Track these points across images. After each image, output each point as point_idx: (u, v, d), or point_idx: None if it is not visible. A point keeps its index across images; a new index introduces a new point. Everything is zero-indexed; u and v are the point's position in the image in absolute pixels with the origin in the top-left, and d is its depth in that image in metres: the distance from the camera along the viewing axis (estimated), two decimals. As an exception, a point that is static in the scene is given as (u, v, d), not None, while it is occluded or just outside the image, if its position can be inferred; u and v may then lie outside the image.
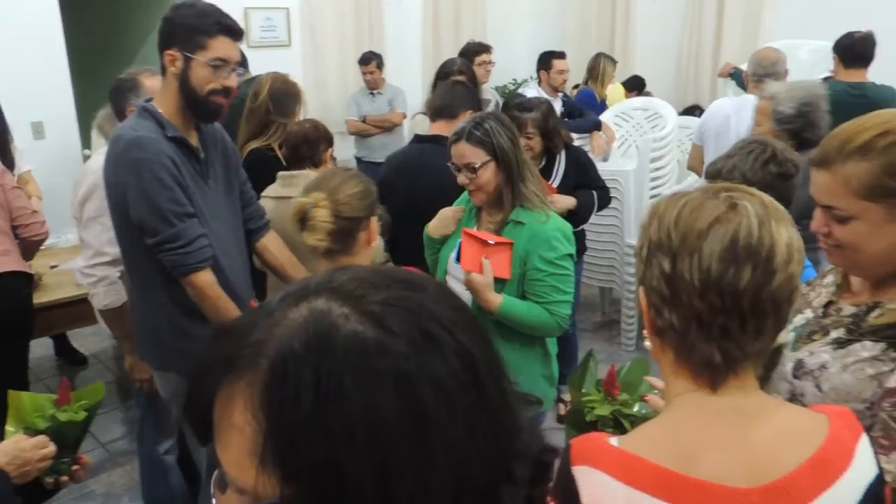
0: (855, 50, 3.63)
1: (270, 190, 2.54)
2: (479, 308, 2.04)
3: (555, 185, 3.09)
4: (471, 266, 2.03)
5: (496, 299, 2.00)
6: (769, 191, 1.85)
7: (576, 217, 2.91)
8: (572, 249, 2.07)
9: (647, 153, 3.96)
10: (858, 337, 1.19)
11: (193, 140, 1.98)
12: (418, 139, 2.87)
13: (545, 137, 3.03)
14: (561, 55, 4.89)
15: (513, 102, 3.15)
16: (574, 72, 5.48)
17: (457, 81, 3.23)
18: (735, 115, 3.27)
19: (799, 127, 2.50)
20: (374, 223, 1.86)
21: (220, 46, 1.87)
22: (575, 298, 3.08)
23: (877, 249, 1.15)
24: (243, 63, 3.21)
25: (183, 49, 1.86)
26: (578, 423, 1.43)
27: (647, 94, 5.65)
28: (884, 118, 1.15)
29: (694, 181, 3.46)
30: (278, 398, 0.45)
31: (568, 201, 2.96)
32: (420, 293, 0.52)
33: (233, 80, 1.93)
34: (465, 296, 2.06)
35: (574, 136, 3.83)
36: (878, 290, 1.22)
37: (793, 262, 0.83)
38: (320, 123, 2.74)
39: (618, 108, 4.69)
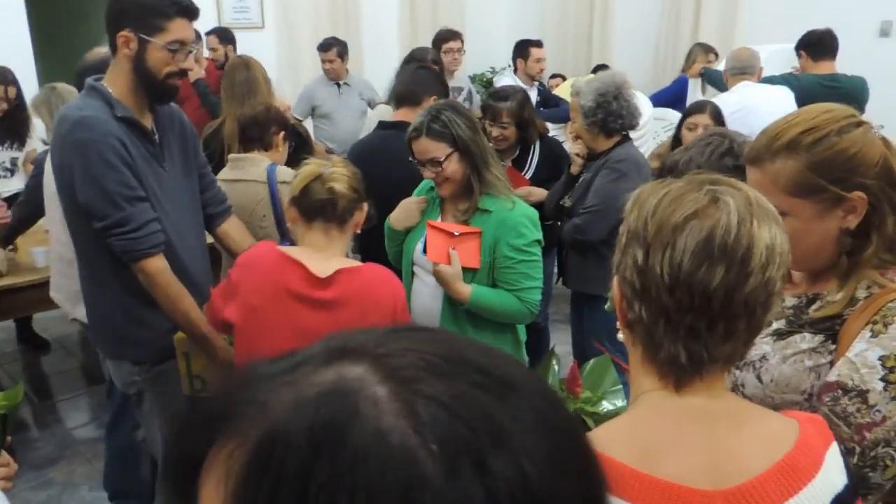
0: (823, 43, 3.83)
1: (221, 173, 2.49)
2: (450, 299, 2.03)
3: (528, 175, 3.07)
4: (438, 258, 2.01)
5: (466, 289, 1.99)
6: None
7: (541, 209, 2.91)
8: (539, 235, 2.06)
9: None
10: (798, 328, 1.20)
11: (147, 121, 1.91)
12: (382, 126, 2.83)
13: (520, 127, 3.01)
14: (538, 44, 4.86)
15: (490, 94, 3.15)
16: (551, 61, 5.45)
17: (421, 66, 3.19)
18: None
19: (602, 118, 2.59)
20: (364, 211, 1.85)
21: (178, 28, 1.81)
22: (548, 290, 3.09)
23: (810, 244, 1.15)
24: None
25: (138, 31, 1.78)
26: None
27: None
28: (811, 114, 1.15)
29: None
30: (252, 490, 0.35)
31: (541, 195, 2.94)
32: (498, 399, 0.37)
33: (190, 62, 1.87)
34: (435, 287, 2.05)
35: (549, 125, 3.82)
36: (816, 281, 1.23)
37: (772, 266, 0.79)
38: (274, 106, 2.69)
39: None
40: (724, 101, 3.48)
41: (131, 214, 1.79)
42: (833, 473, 0.83)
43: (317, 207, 1.74)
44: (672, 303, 0.79)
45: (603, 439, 0.83)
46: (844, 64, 3.91)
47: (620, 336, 0.91)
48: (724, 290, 0.77)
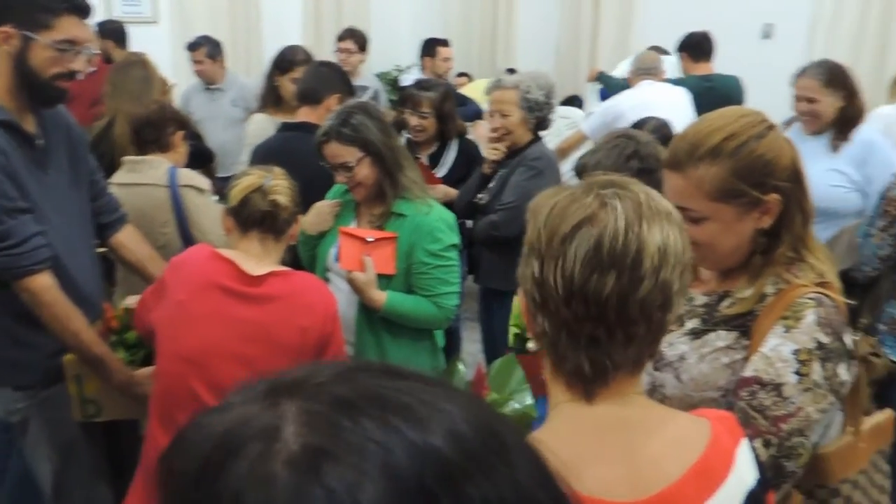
0: (702, 46, 4.14)
1: (115, 176, 2.33)
2: (365, 306, 1.99)
3: (441, 173, 3.05)
4: (351, 265, 1.96)
5: (381, 297, 1.95)
6: None
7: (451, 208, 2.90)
8: (456, 239, 2.05)
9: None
10: (713, 326, 1.22)
11: (29, 125, 1.74)
12: (284, 127, 2.73)
13: (440, 120, 3.00)
14: (445, 43, 4.87)
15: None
16: (457, 60, 5.47)
17: (323, 63, 3.10)
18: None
19: (547, 113, 2.72)
20: (300, 222, 1.83)
21: (67, 26, 1.66)
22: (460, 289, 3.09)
23: (729, 246, 1.19)
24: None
25: (20, 27, 1.63)
26: None
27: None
28: (727, 119, 1.18)
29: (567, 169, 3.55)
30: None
31: (448, 193, 2.92)
32: (415, 432, 0.36)
33: (80, 63, 1.72)
34: (350, 294, 1.99)
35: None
36: (725, 278, 1.26)
37: (665, 268, 0.77)
38: (168, 104, 2.54)
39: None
40: (626, 97, 3.72)
41: (12, 228, 1.63)
42: (745, 470, 0.84)
43: (256, 219, 1.67)
44: (569, 314, 0.78)
45: None
46: (729, 65, 4.17)
47: (532, 345, 0.89)
48: (618, 297, 0.76)
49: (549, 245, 0.79)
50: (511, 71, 5.91)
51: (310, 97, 2.65)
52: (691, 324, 1.26)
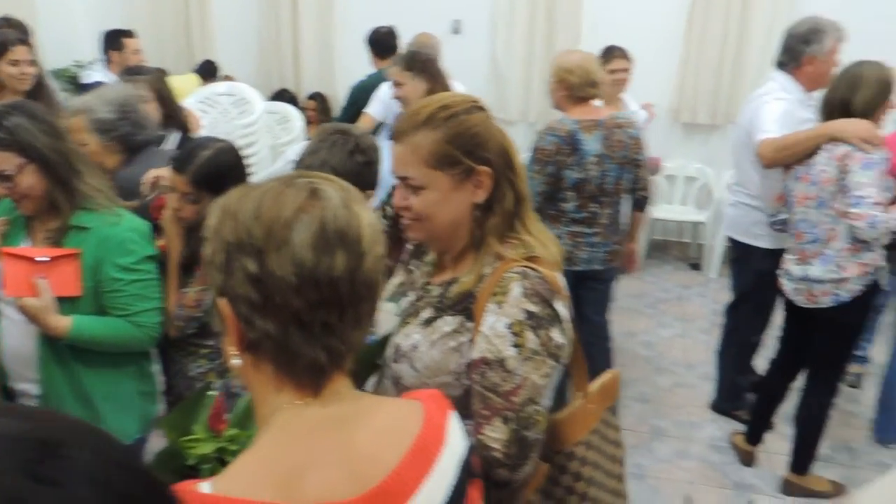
0: (384, 41, 4.29)
1: None
2: (47, 336, 1.72)
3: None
4: (19, 290, 1.69)
5: (63, 323, 1.70)
6: (357, 179, 1.91)
7: None
8: (152, 250, 1.85)
9: (237, 140, 3.82)
10: (441, 313, 1.27)
11: None
12: None
13: (162, 103, 2.93)
14: (130, 34, 4.46)
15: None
16: (150, 55, 5.03)
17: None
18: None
19: (128, 130, 2.31)
20: None
21: None
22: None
23: (447, 218, 1.25)
24: None
25: None
26: (176, 468, 1.18)
27: (230, 78, 5.47)
28: (444, 98, 1.29)
29: (282, 166, 3.46)
30: None
31: None
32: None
33: None
34: (26, 324, 1.71)
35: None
36: (457, 265, 1.31)
37: (378, 244, 0.82)
38: None
39: (202, 94, 4.45)
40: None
41: None
42: (455, 440, 0.87)
43: None
44: (302, 303, 0.76)
45: (236, 480, 0.75)
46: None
47: (235, 362, 0.82)
48: (348, 275, 0.78)
49: (269, 236, 0.76)
50: (209, 63, 5.62)
51: None
52: (426, 313, 1.29)
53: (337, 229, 0.78)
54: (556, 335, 1.20)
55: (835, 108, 2.48)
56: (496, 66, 5.48)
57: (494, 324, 1.18)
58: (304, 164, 1.83)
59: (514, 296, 1.18)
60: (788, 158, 2.62)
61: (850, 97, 2.44)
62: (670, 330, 4.31)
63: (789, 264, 2.66)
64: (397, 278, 1.47)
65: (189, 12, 6.08)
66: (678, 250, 5.60)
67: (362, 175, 1.80)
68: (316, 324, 0.77)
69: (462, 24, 5.49)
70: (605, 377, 1.46)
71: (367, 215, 0.81)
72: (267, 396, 0.82)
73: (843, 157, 2.40)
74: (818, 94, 2.70)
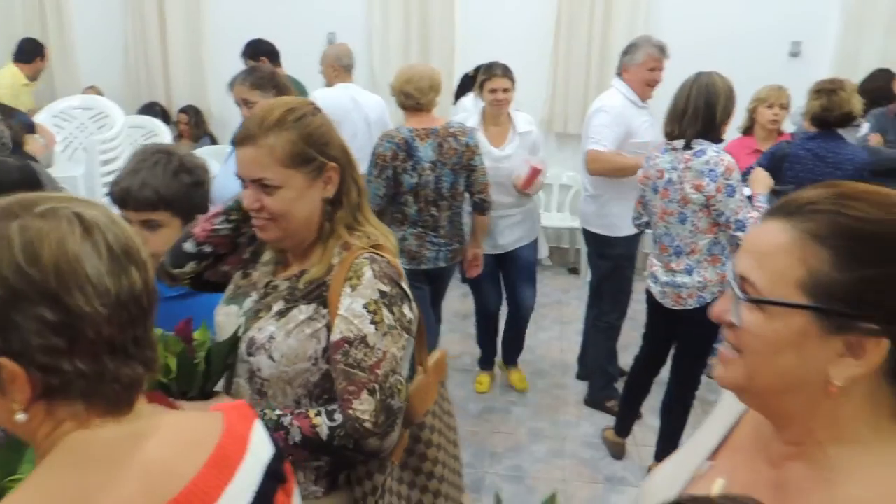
0: (265, 51, 4.30)
1: None
2: None
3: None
4: None
5: None
6: (185, 200, 1.83)
7: None
8: None
9: (96, 156, 3.65)
10: (294, 303, 1.34)
11: None
12: None
13: None
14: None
15: None
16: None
17: None
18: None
19: None
20: None
21: None
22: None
23: (302, 214, 1.33)
24: None
25: None
26: None
27: (95, 90, 5.19)
28: (284, 100, 1.36)
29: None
30: None
31: None
32: None
33: None
34: None
35: None
36: (304, 259, 1.39)
37: (143, 250, 0.81)
38: None
39: (56, 109, 4.19)
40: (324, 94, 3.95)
41: None
42: (259, 448, 0.88)
43: None
44: (114, 329, 0.75)
45: None
46: (293, 67, 4.37)
47: (20, 417, 0.74)
48: (143, 286, 0.78)
49: (59, 278, 0.71)
50: (29, 42, 5.12)
51: None
52: (277, 306, 1.36)
53: (121, 247, 0.77)
54: (407, 311, 1.33)
55: (698, 115, 2.59)
56: (374, 76, 5.50)
57: (351, 305, 1.28)
58: (120, 185, 1.68)
59: (367, 278, 1.29)
60: (608, 174, 3.23)
61: (714, 106, 2.58)
62: (549, 333, 4.46)
63: (656, 269, 2.83)
64: (235, 282, 1.50)
65: (46, 17, 5.71)
66: (557, 256, 5.81)
67: (190, 196, 1.70)
68: (129, 343, 0.77)
69: (336, 36, 5.48)
70: (436, 354, 1.60)
71: (127, 224, 0.82)
72: (59, 436, 0.76)
73: (701, 186, 2.57)
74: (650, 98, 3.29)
